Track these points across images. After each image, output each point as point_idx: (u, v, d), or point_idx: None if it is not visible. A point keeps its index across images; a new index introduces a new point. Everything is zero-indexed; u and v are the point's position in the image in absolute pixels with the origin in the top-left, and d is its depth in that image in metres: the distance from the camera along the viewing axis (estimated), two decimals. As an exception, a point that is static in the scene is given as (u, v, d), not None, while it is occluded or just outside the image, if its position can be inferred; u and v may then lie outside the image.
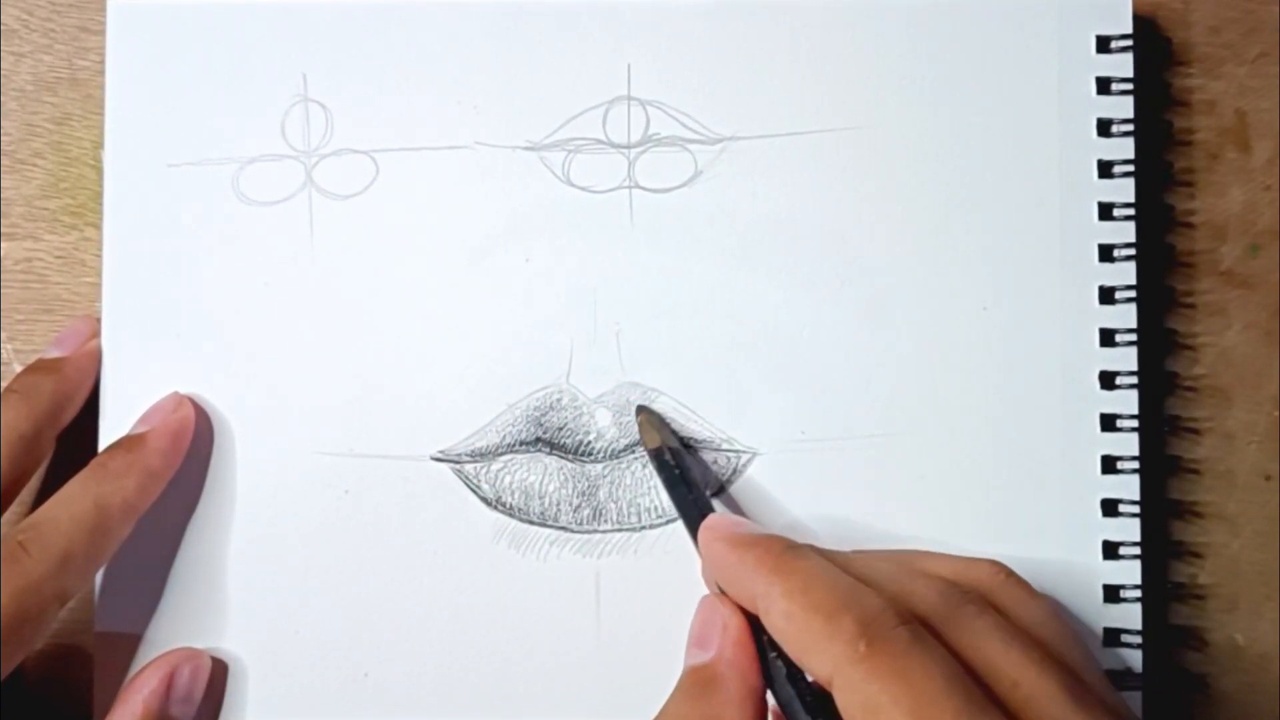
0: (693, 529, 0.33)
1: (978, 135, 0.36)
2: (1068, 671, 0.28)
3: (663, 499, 0.36)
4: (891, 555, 0.33)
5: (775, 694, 0.29)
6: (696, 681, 0.30)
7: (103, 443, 0.37)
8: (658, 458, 0.35)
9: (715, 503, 0.36)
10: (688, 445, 0.36)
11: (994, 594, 0.30)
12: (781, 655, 0.29)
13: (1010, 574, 0.31)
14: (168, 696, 0.35)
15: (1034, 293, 0.36)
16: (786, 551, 0.30)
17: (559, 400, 0.37)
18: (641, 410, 0.36)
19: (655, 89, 0.37)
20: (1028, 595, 0.31)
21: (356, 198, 0.37)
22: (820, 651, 0.27)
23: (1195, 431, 0.38)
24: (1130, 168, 0.36)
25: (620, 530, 0.36)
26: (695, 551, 0.33)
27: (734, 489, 0.36)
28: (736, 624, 0.30)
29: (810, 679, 0.28)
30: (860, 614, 0.27)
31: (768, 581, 0.29)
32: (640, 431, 0.36)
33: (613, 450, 0.36)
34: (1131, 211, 0.36)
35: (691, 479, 0.34)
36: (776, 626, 0.28)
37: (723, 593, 0.31)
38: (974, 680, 0.26)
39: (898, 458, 0.36)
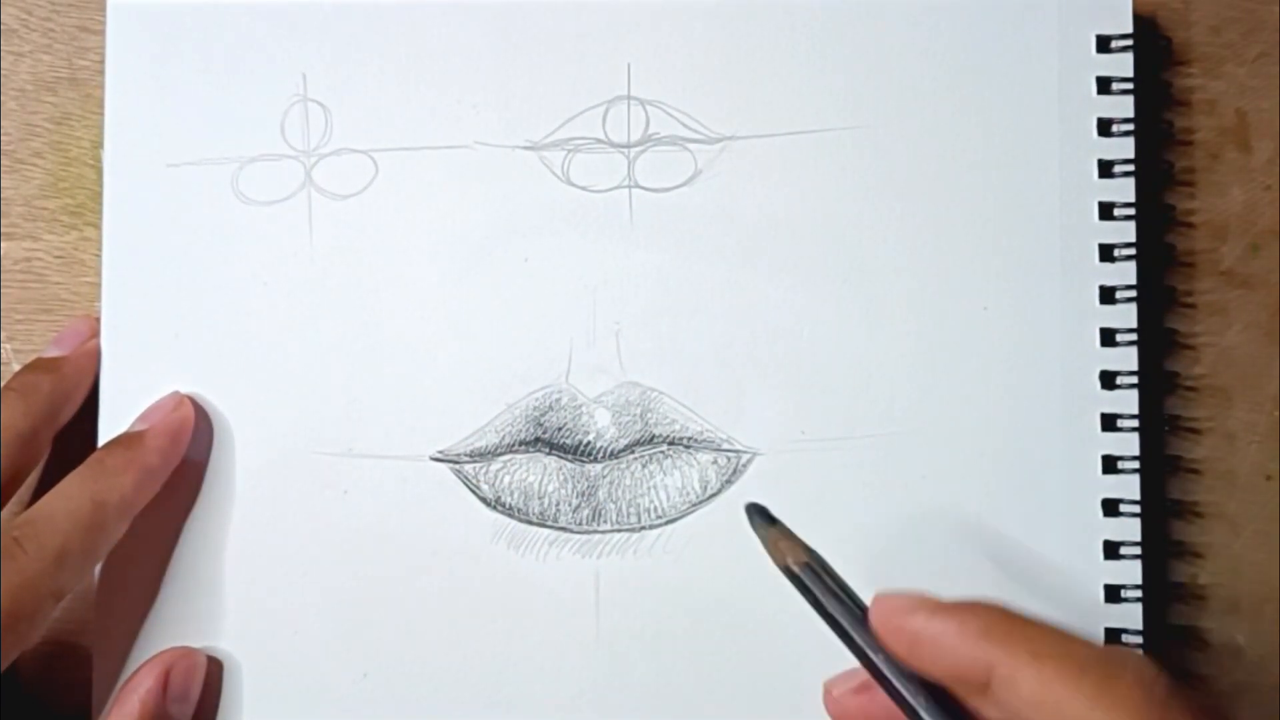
0: (848, 632, 0.29)
1: (978, 135, 0.36)
2: None
3: (662, 499, 0.36)
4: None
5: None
6: None
7: (101, 442, 0.36)
8: (809, 572, 0.30)
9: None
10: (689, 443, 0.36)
11: None
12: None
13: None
14: (164, 695, 0.35)
15: (1034, 293, 0.36)
16: (1006, 613, 0.27)
17: (559, 400, 0.37)
18: (759, 515, 0.32)
19: (655, 89, 0.37)
20: None
21: (356, 197, 0.37)
22: (1098, 717, 0.25)
23: (1195, 431, 0.38)
24: (1130, 168, 0.36)
25: (620, 530, 0.36)
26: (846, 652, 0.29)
27: (734, 489, 0.36)
28: None
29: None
30: (1138, 673, 0.25)
31: (1006, 646, 0.26)
32: (772, 548, 0.31)
33: (612, 450, 0.36)
34: (1131, 211, 0.36)
35: (842, 583, 0.30)
36: (1030, 697, 0.26)
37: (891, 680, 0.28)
38: None
39: (898, 458, 0.36)
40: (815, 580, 0.30)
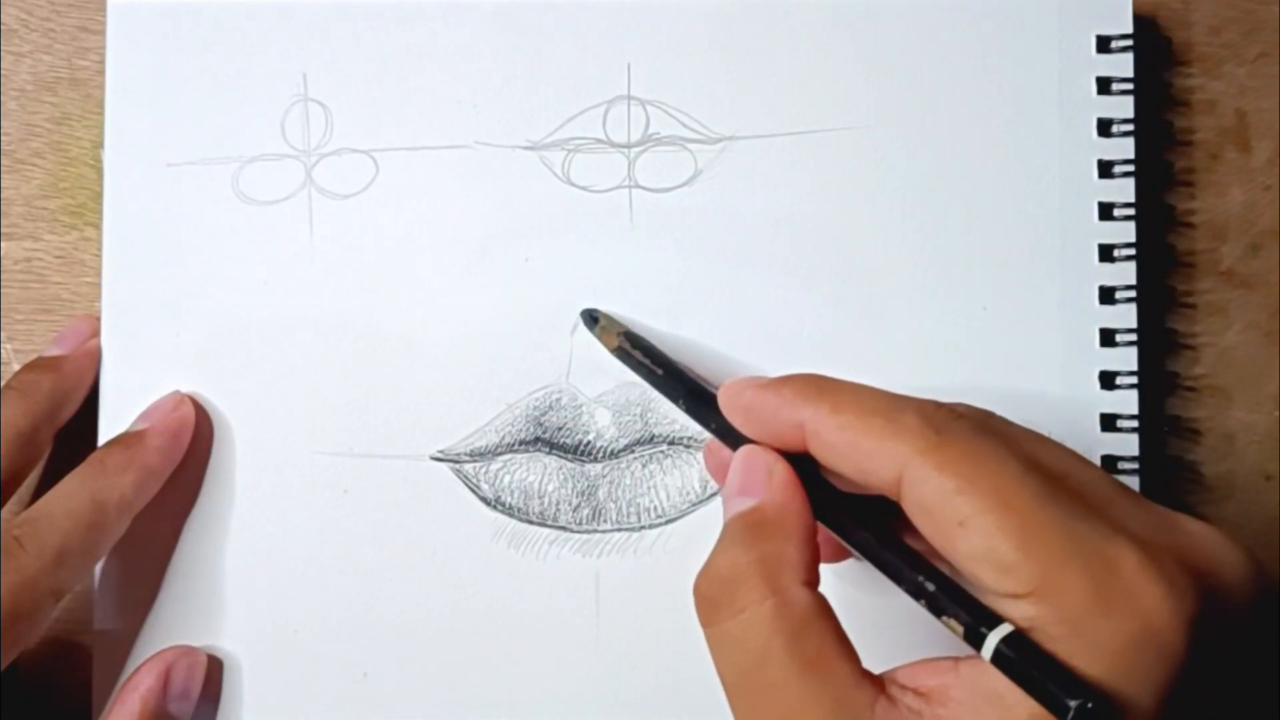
0: (694, 404, 0.32)
1: (978, 135, 0.36)
2: (1101, 469, 0.28)
3: (661, 499, 0.36)
4: None
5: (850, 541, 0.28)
6: (746, 525, 0.28)
7: (101, 442, 0.36)
8: (640, 346, 0.35)
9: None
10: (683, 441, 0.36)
11: None
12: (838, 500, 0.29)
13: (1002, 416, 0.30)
14: (165, 694, 0.35)
15: (1034, 293, 0.36)
16: (821, 377, 0.29)
17: (559, 400, 0.37)
18: (593, 314, 0.36)
19: (655, 89, 0.37)
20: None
21: (356, 197, 0.37)
22: (885, 452, 0.26)
23: (1195, 431, 0.38)
24: (1130, 168, 0.36)
25: (620, 530, 0.36)
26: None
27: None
28: (783, 467, 0.29)
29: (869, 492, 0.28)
30: (919, 409, 0.27)
31: (813, 403, 0.28)
32: (601, 337, 0.35)
33: (612, 450, 0.36)
34: (1131, 211, 0.36)
35: (664, 359, 0.34)
36: (832, 443, 0.27)
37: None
38: None
39: (898, 457, 0.36)
40: (636, 353, 0.34)
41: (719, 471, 0.31)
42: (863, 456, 0.27)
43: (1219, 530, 0.26)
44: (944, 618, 0.25)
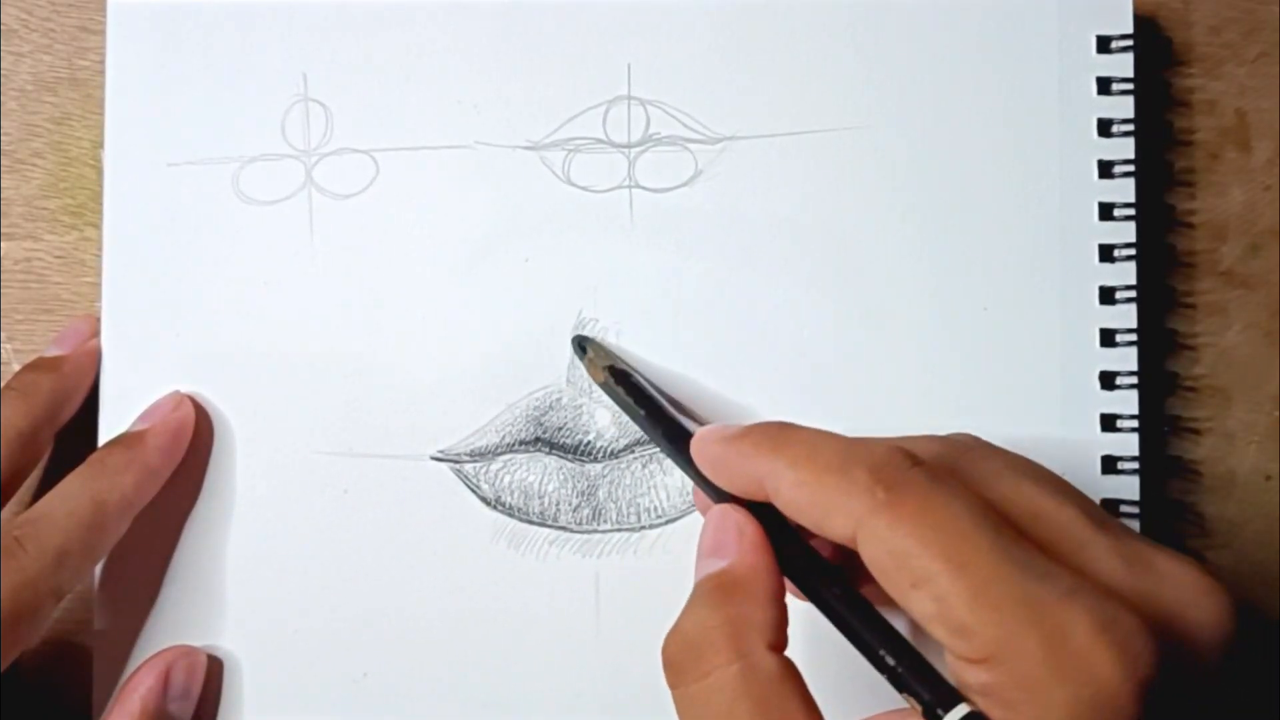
0: (673, 448, 0.32)
1: (978, 135, 0.36)
2: (1081, 500, 0.27)
3: (661, 499, 0.36)
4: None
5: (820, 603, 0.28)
6: (716, 588, 0.28)
7: (101, 442, 0.36)
8: (625, 383, 0.34)
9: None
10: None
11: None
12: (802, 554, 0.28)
13: (986, 442, 0.30)
14: (165, 694, 0.35)
15: (1034, 293, 0.36)
16: (783, 428, 0.28)
17: (558, 400, 0.37)
18: (583, 342, 0.36)
19: (655, 89, 0.37)
20: (1011, 454, 0.29)
21: (356, 197, 0.37)
22: (838, 510, 0.26)
23: (1195, 431, 0.38)
24: (1130, 168, 0.36)
25: (619, 530, 0.36)
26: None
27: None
28: (753, 528, 0.28)
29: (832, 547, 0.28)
30: (871, 462, 0.26)
31: (771, 458, 0.28)
32: (589, 369, 0.35)
33: (612, 450, 0.36)
34: (1131, 211, 0.36)
35: (664, 400, 0.34)
36: (790, 499, 0.27)
37: (730, 502, 0.30)
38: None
39: (897, 458, 0.36)
40: (620, 389, 0.34)
41: (706, 511, 0.31)
42: (819, 514, 0.26)
43: (1195, 568, 0.26)
44: (904, 694, 0.25)
